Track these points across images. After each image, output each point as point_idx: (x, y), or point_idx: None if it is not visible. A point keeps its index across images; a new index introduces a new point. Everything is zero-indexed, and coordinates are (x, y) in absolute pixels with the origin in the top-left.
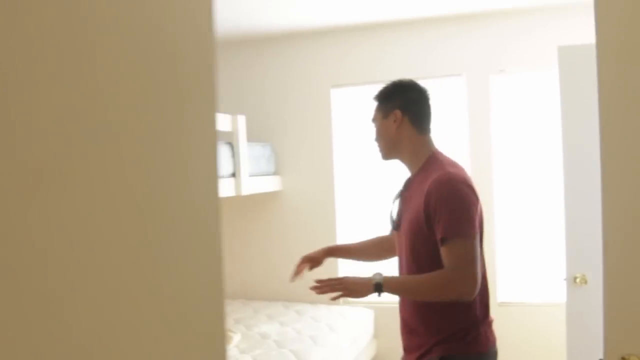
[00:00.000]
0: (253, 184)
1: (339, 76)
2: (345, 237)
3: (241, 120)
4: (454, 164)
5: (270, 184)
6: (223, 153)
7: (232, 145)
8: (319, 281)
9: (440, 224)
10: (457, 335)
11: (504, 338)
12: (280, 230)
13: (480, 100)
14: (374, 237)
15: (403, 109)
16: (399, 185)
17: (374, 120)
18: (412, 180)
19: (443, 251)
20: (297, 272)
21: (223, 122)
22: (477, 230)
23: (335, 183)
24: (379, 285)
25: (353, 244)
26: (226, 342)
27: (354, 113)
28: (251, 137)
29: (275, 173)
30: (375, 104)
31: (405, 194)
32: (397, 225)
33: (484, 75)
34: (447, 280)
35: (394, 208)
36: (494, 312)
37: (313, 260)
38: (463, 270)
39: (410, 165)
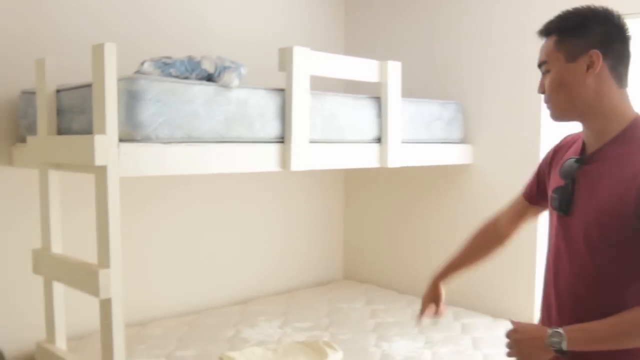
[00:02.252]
0: (411, 154)
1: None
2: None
3: (394, 68)
4: None
5: (448, 155)
6: (365, 111)
7: (380, 101)
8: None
9: None
10: None
11: None
12: (466, 215)
13: None
14: (475, 234)
15: (604, 49)
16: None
17: (545, 64)
18: (600, 152)
19: None
20: (426, 315)
21: (366, 70)
22: None
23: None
24: (561, 351)
25: (458, 255)
26: None
27: None
28: (429, 93)
29: (463, 141)
30: (548, 40)
31: (588, 170)
32: (566, 209)
33: None
34: None
35: (563, 184)
36: None
37: (436, 298)
38: None
39: (599, 132)
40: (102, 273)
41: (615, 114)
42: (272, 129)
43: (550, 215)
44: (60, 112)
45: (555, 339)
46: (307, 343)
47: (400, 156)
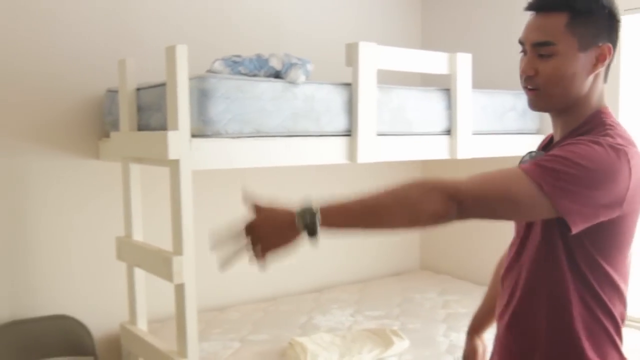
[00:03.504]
0: (483, 145)
1: None
2: None
3: (464, 60)
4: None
5: (522, 146)
6: (434, 103)
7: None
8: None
9: None
10: None
11: None
12: None
13: None
14: (494, 274)
15: (612, 43)
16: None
17: (548, 45)
18: (556, 145)
19: None
20: None
21: (434, 62)
22: None
23: None
24: (311, 217)
25: (486, 300)
26: None
27: None
28: (506, 84)
29: (539, 132)
30: (554, 17)
31: None
32: None
33: None
34: None
35: None
36: None
37: (473, 355)
38: None
39: (568, 124)
40: (175, 260)
41: (588, 109)
42: (339, 122)
43: None
44: (140, 109)
45: (306, 215)
46: (374, 330)
47: (470, 148)
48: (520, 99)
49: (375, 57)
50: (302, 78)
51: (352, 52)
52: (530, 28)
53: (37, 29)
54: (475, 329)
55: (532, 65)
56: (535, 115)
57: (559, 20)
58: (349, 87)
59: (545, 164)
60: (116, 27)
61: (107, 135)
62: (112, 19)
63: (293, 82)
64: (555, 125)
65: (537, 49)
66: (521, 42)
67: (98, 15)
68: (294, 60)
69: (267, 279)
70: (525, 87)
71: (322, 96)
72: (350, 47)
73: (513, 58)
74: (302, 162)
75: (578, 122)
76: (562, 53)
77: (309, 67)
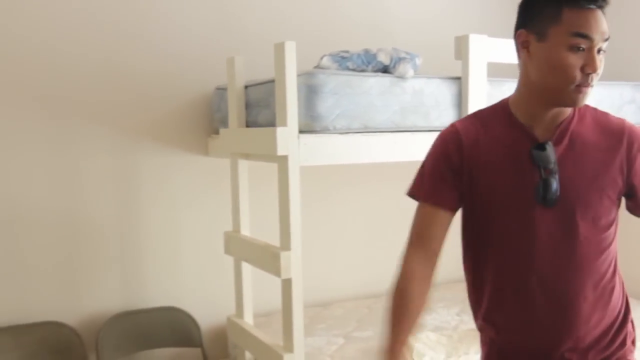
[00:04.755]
0: None
1: None
2: None
3: None
4: None
5: None
6: None
7: None
8: None
9: None
10: None
11: None
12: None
13: None
14: (414, 293)
15: None
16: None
17: (606, 42)
18: (562, 134)
19: None
20: None
21: None
22: None
23: None
24: None
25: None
26: None
27: None
28: (623, 75)
29: None
30: (602, 14)
31: (565, 152)
32: (554, 200)
33: None
34: None
35: (548, 176)
36: None
37: None
38: None
39: (558, 114)
40: (283, 255)
41: None
42: (448, 117)
43: (519, 212)
44: (248, 106)
45: None
46: None
47: None
48: (639, 91)
49: (485, 50)
50: (411, 72)
51: (461, 45)
52: (597, 23)
53: (147, 29)
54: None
55: (596, 61)
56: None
57: (604, 18)
58: (459, 81)
59: None
60: (225, 25)
61: (216, 132)
62: (220, 17)
63: (401, 77)
64: (542, 118)
65: (601, 45)
66: (585, 36)
67: (207, 14)
68: (402, 55)
69: (372, 276)
70: (580, 85)
71: (430, 90)
72: (460, 40)
73: (630, 49)
74: (410, 158)
75: (565, 115)
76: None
77: (418, 61)
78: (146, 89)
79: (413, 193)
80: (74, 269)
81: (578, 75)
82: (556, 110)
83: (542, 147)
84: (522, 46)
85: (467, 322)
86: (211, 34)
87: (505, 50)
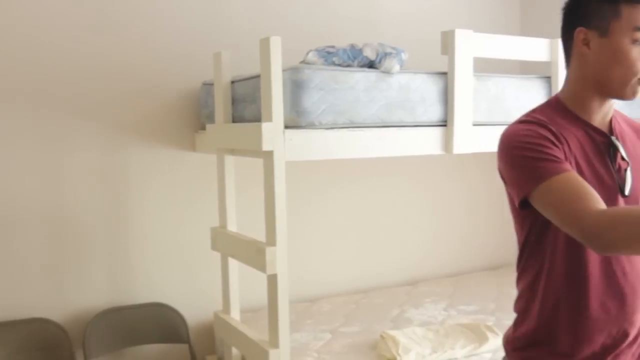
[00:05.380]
0: None
1: None
2: None
3: None
4: None
5: None
6: (534, 91)
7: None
8: None
9: None
10: None
11: None
12: None
13: None
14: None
15: None
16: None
17: None
18: (616, 129)
19: None
20: None
21: (534, 49)
22: None
23: None
24: None
25: None
26: None
27: None
28: None
29: None
30: None
31: (626, 147)
32: (632, 190)
33: None
34: None
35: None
36: None
37: None
38: None
39: (609, 109)
40: (268, 250)
41: None
42: (434, 112)
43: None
44: (234, 101)
45: None
46: (468, 326)
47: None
48: None
49: (471, 45)
50: (397, 67)
51: (447, 40)
52: None
53: (134, 24)
54: None
55: None
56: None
57: None
58: (445, 76)
59: None
60: (211, 20)
61: (203, 128)
62: (207, 13)
63: (387, 72)
64: (597, 113)
65: None
66: None
67: (193, 9)
68: (388, 50)
69: (360, 271)
70: None
71: (417, 86)
72: (446, 35)
73: None
74: (396, 153)
75: (612, 110)
76: None
77: (404, 56)
78: (133, 84)
79: (529, 189)
80: (60, 265)
81: None
82: (607, 106)
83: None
84: (583, 43)
85: (455, 317)
86: (198, 28)
87: (491, 45)
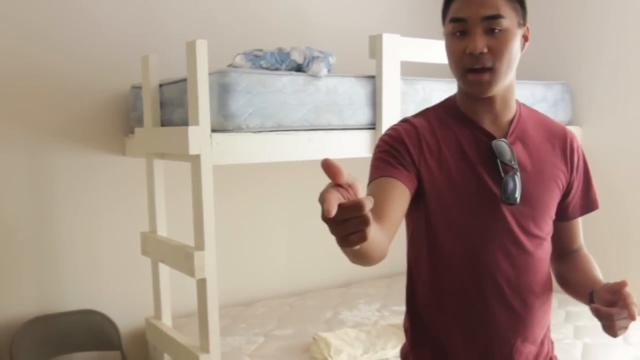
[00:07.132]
0: None
1: None
2: None
3: None
4: None
5: None
6: None
7: None
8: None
9: (591, 193)
10: None
11: None
12: None
13: None
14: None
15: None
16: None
17: (498, 17)
18: (514, 131)
19: (575, 226)
20: None
21: None
22: None
23: None
24: None
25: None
26: None
27: None
28: (535, 75)
29: (570, 123)
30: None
31: (521, 150)
32: (515, 198)
33: None
34: None
35: (510, 173)
36: None
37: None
38: None
39: (501, 109)
40: (197, 255)
41: (513, 92)
42: (363, 115)
43: (480, 207)
44: (163, 105)
45: None
46: (400, 326)
47: None
48: (551, 90)
49: (398, 49)
50: (324, 71)
51: (375, 44)
52: (473, 3)
53: (61, 27)
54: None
55: (483, 41)
56: (567, 106)
57: (511, 2)
58: (373, 80)
59: None
60: (140, 23)
61: (132, 132)
62: (135, 15)
63: (315, 76)
64: (482, 112)
65: (485, 24)
66: (459, 19)
67: (122, 12)
68: (315, 54)
69: (295, 274)
70: (470, 70)
71: (345, 89)
72: (374, 39)
73: (542, 47)
74: (324, 156)
75: (512, 111)
76: (509, 27)
77: (331, 60)
78: (60, 87)
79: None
80: None
81: (465, 58)
82: (498, 106)
83: (500, 142)
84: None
85: (387, 318)
86: (126, 31)
87: (417, 49)
